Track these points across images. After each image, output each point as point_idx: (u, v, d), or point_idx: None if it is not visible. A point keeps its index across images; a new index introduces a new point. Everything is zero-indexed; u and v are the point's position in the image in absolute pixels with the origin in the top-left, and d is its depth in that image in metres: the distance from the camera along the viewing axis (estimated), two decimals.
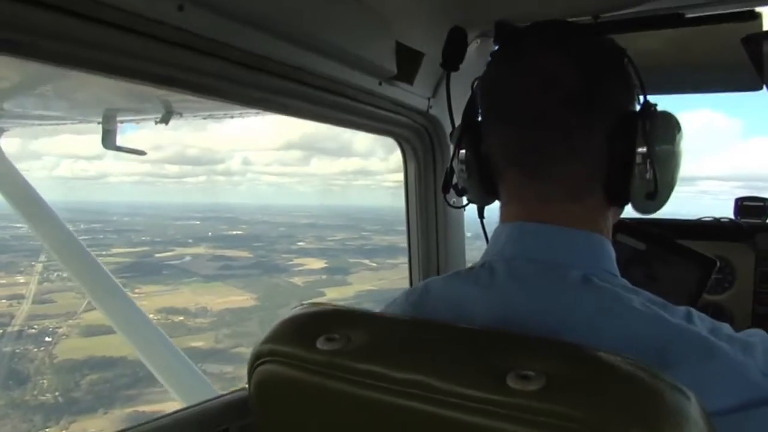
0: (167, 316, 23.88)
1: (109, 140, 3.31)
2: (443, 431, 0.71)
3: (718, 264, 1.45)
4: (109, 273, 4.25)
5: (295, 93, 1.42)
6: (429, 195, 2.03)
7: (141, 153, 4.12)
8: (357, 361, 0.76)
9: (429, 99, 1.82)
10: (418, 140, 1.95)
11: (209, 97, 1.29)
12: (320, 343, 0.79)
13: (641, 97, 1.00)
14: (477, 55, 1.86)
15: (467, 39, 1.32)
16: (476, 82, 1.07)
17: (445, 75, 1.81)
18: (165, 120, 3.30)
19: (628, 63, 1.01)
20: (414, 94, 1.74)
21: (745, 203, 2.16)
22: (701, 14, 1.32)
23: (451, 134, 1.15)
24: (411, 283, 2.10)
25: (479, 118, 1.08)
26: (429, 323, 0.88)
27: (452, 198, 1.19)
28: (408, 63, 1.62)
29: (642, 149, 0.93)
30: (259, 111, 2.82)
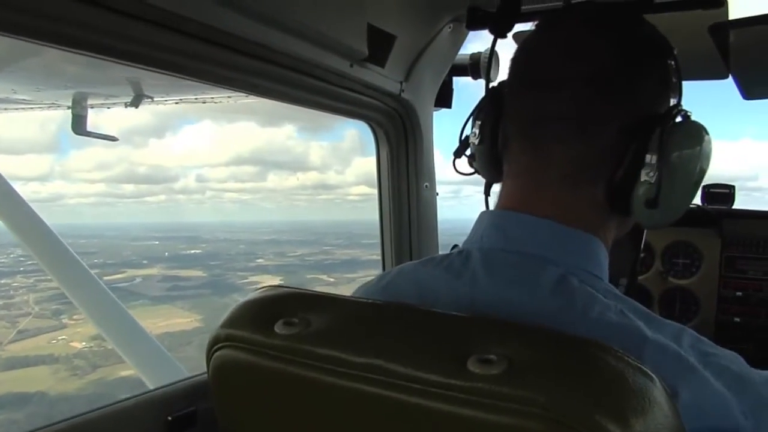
0: (101, 342, 21.42)
1: (79, 125, 3.25)
2: (403, 417, 0.69)
3: None
4: (84, 263, 4.20)
5: (265, 72, 1.39)
6: (401, 180, 2.01)
7: (112, 139, 4.06)
8: (316, 346, 0.74)
9: (401, 83, 1.81)
10: (390, 124, 1.94)
11: (175, 75, 1.25)
12: (278, 328, 0.77)
13: (674, 100, 0.95)
14: (449, 40, 1.85)
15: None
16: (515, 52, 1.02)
17: (417, 59, 1.81)
18: (135, 104, 3.24)
19: (672, 63, 0.96)
20: (386, 77, 1.72)
21: (711, 190, 2.20)
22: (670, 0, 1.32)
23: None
24: (383, 268, 2.10)
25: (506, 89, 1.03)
26: (390, 306, 0.87)
27: (463, 166, 1.16)
28: (380, 45, 1.60)
29: (654, 155, 0.88)
30: (231, 93, 2.78)
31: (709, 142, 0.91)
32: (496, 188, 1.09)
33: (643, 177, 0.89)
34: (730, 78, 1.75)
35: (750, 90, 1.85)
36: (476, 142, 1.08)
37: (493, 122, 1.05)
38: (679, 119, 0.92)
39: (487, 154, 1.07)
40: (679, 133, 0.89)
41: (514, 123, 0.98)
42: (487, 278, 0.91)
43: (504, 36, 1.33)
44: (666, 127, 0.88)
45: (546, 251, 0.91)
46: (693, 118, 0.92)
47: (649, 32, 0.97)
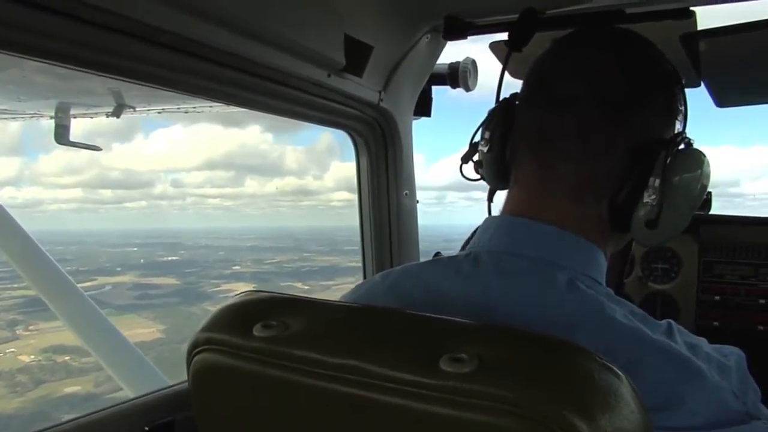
0: (52, 356, 21.10)
1: (62, 135, 3.23)
2: (378, 416, 0.71)
3: None
4: (65, 272, 4.15)
5: (243, 83, 1.41)
6: (381, 188, 2.03)
7: (96, 148, 4.03)
8: (293, 348, 0.76)
9: (380, 92, 1.83)
10: (369, 133, 1.96)
11: (154, 86, 1.26)
12: (257, 330, 0.78)
13: (679, 127, 1.00)
14: (427, 50, 1.88)
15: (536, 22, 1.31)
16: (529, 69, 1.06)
17: (395, 68, 1.83)
18: (117, 113, 3.23)
19: (680, 91, 1.01)
20: (364, 87, 1.75)
21: None
22: (641, 11, 1.36)
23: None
24: (364, 276, 2.11)
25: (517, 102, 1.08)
26: (365, 309, 0.88)
27: (469, 172, 1.20)
28: (357, 56, 1.62)
29: (658, 178, 0.91)
30: (213, 103, 2.79)
31: (709, 170, 0.95)
32: (498, 196, 1.13)
33: (646, 198, 0.93)
34: (703, 87, 1.79)
35: (722, 98, 1.89)
36: (485, 149, 1.11)
37: (502, 132, 1.09)
38: (682, 146, 0.96)
39: (495, 163, 1.10)
40: (682, 160, 0.94)
41: (524, 136, 1.02)
42: (499, 280, 0.93)
43: (519, 49, 1.32)
44: (671, 153, 0.93)
45: (553, 256, 0.94)
46: (695, 146, 0.96)
47: (660, 60, 1.01)
